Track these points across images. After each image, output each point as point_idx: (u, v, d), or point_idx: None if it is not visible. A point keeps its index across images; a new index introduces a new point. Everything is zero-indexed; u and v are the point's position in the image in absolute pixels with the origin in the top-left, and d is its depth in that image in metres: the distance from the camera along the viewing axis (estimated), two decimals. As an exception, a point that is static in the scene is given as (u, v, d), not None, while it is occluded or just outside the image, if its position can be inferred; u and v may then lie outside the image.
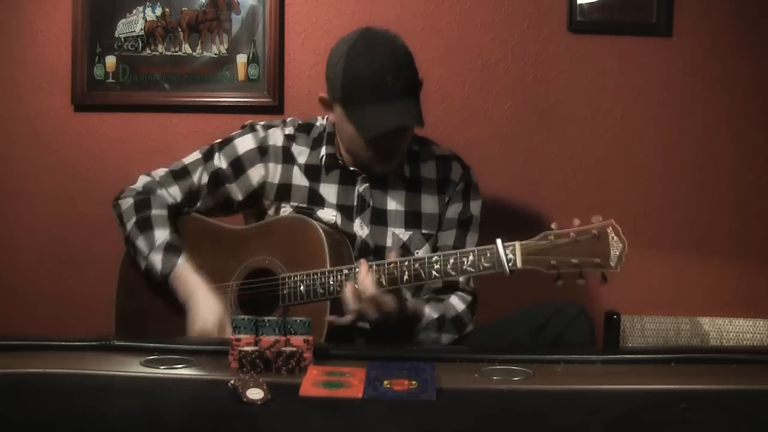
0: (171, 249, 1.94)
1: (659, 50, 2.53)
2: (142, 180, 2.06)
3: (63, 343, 1.69)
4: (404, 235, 2.03)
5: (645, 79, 2.54)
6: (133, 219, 1.99)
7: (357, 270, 1.82)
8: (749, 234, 2.56)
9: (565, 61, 2.53)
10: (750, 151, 2.55)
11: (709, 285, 2.56)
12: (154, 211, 2.00)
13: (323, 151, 2.04)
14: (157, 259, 1.94)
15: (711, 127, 2.55)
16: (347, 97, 1.90)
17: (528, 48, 2.53)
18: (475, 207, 2.07)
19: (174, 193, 2.04)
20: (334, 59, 1.93)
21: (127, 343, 1.68)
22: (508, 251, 1.73)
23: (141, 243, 1.96)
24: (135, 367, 1.54)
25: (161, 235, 1.96)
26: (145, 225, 1.98)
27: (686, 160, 2.55)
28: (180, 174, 2.05)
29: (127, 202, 2.02)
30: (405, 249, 2.01)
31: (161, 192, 2.04)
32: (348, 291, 1.81)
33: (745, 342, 2.41)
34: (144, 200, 2.01)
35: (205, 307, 1.89)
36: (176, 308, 1.95)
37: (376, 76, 1.86)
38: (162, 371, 1.53)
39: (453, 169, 2.07)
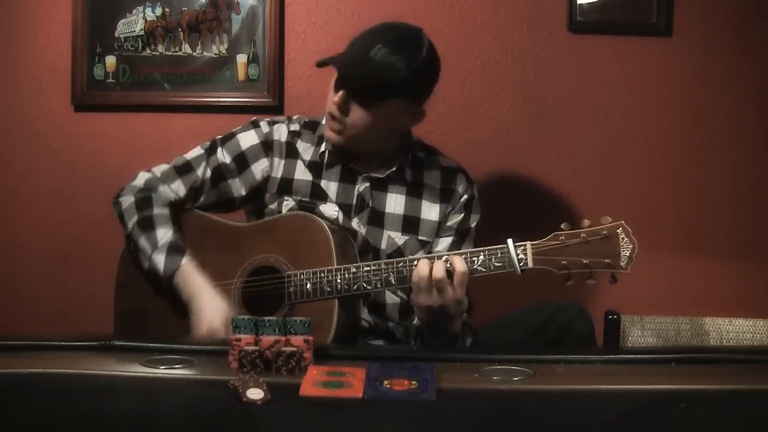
0: (173, 249, 1.94)
1: (659, 50, 2.53)
2: (143, 177, 2.05)
3: (63, 343, 1.69)
4: (400, 239, 2.02)
5: (645, 79, 2.54)
6: (135, 218, 1.98)
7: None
8: (749, 234, 2.56)
9: (565, 61, 2.53)
10: (750, 150, 2.55)
11: (709, 285, 2.56)
12: (156, 210, 1.99)
13: (324, 146, 2.04)
14: (159, 260, 1.93)
15: (711, 127, 2.55)
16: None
17: (528, 48, 2.53)
18: (474, 220, 2.07)
19: (176, 188, 2.03)
20: None
21: (128, 343, 1.68)
22: (519, 251, 1.74)
23: (143, 243, 1.95)
24: (135, 367, 1.54)
25: (163, 234, 1.95)
26: (147, 224, 1.97)
27: (686, 160, 2.55)
28: (182, 169, 2.05)
29: (127, 200, 2.01)
30: (399, 253, 2.01)
31: (163, 188, 2.03)
32: (427, 265, 1.74)
33: (745, 342, 2.41)
34: (145, 198, 2.01)
35: (211, 307, 1.88)
36: (175, 306, 1.95)
37: (369, 39, 1.91)
38: (162, 371, 1.53)
39: (458, 181, 2.07)
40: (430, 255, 1.82)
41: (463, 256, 1.77)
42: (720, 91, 2.54)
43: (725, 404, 1.40)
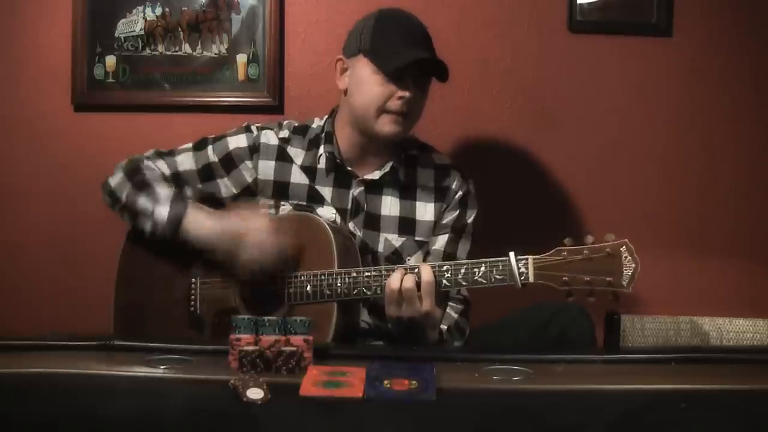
0: (177, 200, 1.91)
1: (659, 50, 2.53)
2: (125, 160, 2.05)
3: (64, 343, 1.69)
4: (396, 241, 2.02)
5: (645, 79, 2.54)
6: (128, 186, 1.96)
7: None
8: (749, 234, 2.55)
9: (565, 61, 2.53)
10: (750, 150, 2.55)
11: (709, 285, 2.56)
12: (148, 173, 1.98)
13: (321, 150, 2.03)
14: (163, 212, 1.89)
15: (711, 127, 2.55)
16: (377, 38, 1.93)
17: (528, 48, 2.53)
18: (471, 216, 2.07)
19: (161, 166, 2.03)
20: (361, 21, 2.00)
21: (128, 343, 1.68)
22: (521, 265, 1.74)
23: (143, 201, 1.92)
24: (135, 367, 1.54)
25: (163, 191, 1.93)
26: (143, 185, 1.94)
27: (686, 160, 2.55)
28: (166, 153, 2.06)
29: (116, 177, 2.00)
30: (397, 255, 2.01)
31: (148, 163, 2.02)
32: (398, 278, 1.78)
33: (745, 342, 2.41)
34: (134, 168, 1.99)
35: (246, 224, 1.87)
36: (176, 300, 1.95)
37: (410, 28, 1.96)
38: (162, 371, 1.53)
39: (452, 178, 2.07)
40: (411, 265, 1.83)
41: (464, 266, 1.77)
42: (720, 91, 2.53)
43: (725, 404, 1.40)
